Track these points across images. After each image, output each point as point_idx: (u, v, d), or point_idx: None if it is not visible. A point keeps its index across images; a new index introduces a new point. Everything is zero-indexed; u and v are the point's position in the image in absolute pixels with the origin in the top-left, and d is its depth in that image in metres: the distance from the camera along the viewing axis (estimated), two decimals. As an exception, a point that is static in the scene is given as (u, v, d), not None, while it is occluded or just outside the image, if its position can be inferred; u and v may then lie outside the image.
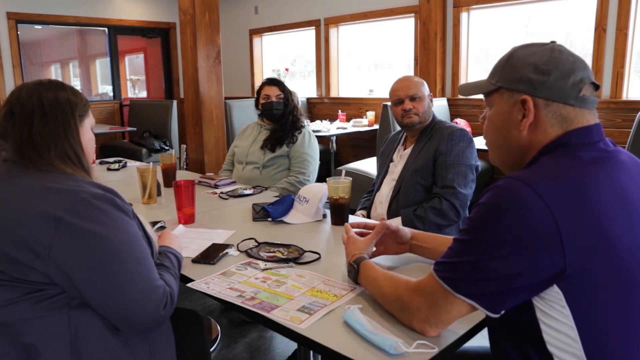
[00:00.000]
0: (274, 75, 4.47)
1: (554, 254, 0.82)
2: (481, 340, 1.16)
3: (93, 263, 1.00)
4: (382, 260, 1.41)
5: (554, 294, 0.85)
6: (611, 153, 0.93)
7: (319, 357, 1.56)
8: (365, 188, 2.52)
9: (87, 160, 1.17)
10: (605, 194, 0.86)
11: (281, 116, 2.70)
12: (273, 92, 2.70)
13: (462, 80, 5.16)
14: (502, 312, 0.89)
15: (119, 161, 3.14)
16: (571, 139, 0.92)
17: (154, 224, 1.73)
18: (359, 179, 3.86)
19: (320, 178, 2.41)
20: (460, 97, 5.10)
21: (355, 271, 1.20)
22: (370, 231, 1.39)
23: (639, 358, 0.87)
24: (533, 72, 0.93)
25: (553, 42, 0.98)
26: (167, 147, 5.92)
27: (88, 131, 1.20)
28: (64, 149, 1.12)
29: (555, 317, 0.86)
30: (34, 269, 0.98)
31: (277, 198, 2.10)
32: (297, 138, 2.67)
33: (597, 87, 0.96)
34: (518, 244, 0.83)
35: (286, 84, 2.78)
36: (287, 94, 2.73)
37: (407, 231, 1.39)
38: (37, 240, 0.98)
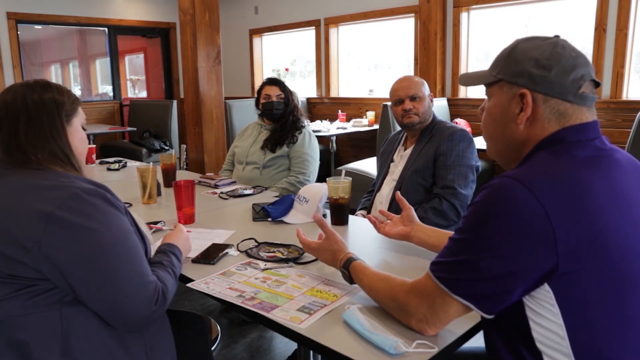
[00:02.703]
0: (274, 75, 4.46)
1: (547, 252, 0.82)
2: (480, 341, 1.16)
3: (84, 257, 1.00)
4: (378, 261, 1.41)
5: (545, 292, 0.85)
6: (607, 152, 0.93)
7: (319, 357, 1.56)
8: (365, 188, 2.52)
9: (78, 160, 1.16)
10: (600, 194, 0.86)
11: (281, 116, 2.70)
12: (273, 92, 2.70)
13: (462, 80, 5.15)
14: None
15: (119, 161, 3.14)
16: (567, 135, 0.92)
17: (153, 224, 1.73)
18: (359, 179, 3.86)
19: (320, 178, 2.41)
20: (461, 97, 5.10)
21: (347, 275, 1.19)
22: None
23: (626, 356, 0.87)
24: (534, 66, 0.93)
25: (557, 36, 0.97)
26: (167, 147, 5.93)
27: (78, 130, 1.18)
28: (52, 150, 1.11)
29: (544, 315, 0.86)
30: (25, 264, 0.99)
31: (277, 198, 2.10)
32: (297, 138, 2.66)
33: (597, 84, 0.96)
34: (512, 243, 0.83)
35: (286, 84, 2.78)
36: (288, 93, 2.73)
37: (415, 216, 1.49)
38: (28, 236, 0.98)
